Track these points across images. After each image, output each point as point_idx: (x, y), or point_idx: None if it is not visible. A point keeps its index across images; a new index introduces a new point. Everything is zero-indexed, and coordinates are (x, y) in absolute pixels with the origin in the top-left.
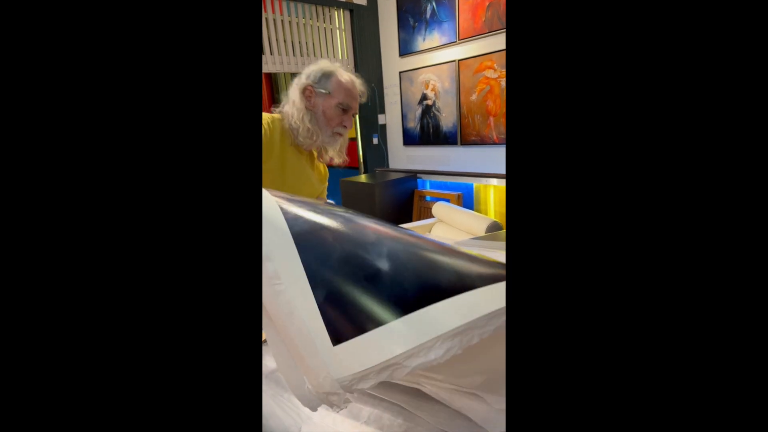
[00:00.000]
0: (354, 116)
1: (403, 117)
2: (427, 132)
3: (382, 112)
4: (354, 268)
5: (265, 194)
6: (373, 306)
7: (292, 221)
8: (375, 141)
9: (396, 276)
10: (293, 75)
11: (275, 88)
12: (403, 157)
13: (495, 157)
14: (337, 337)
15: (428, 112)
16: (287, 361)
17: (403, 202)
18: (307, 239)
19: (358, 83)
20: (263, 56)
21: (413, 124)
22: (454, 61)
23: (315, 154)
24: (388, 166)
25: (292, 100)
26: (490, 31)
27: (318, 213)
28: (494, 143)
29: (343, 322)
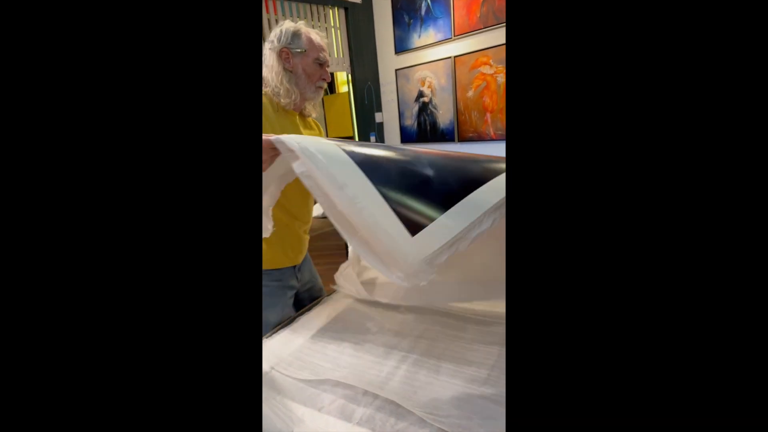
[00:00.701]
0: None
1: (400, 115)
2: (424, 129)
3: (379, 110)
4: (409, 179)
5: (321, 140)
6: (431, 202)
7: (351, 155)
8: (372, 139)
9: (441, 178)
10: None
11: None
12: None
13: (492, 154)
14: (412, 231)
15: (425, 109)
16: (376, 261)
17: None
18: (368, 165)
19: (321, 36)
20: None
21: (410, 121)
22: (450, 57)
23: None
24: None
25: (269, 65)
26: (486, 27)
27: (365, 147)
28: (492, 139)
29: (415, 218)
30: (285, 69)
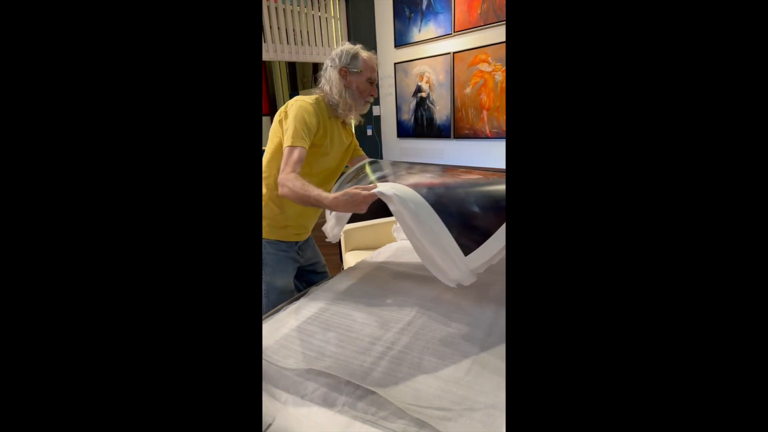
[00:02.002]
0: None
1: (398, 109)
2: (421, 124)
3: (377, 103)
4: (464, 216)
5: (403, 187)
6: (477, 232)
7: (426, 197)
8: (369, 132)
9: (483, 213)
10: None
11: (269, 76)
12: (396, 150)
13: (488, 152)
14: (465, 252)
15: (422, 104)
16: (438, 270)
17: None
18: (439, 206)
19: (375, 58)
20: None
21: (407, 116)
22: (449, 53)
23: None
24: (381, 157)
25: (331, 81)
26: (486, 24)
27: (430, 177)
28: (487, 137)
29: (467, 243)
30: (344, 86)
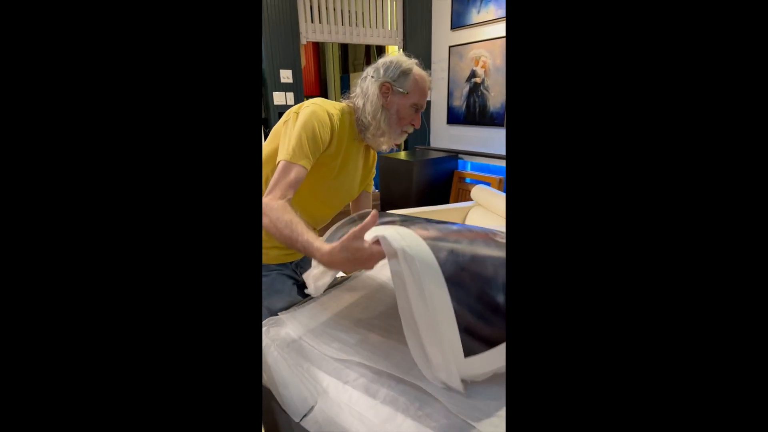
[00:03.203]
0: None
1: (449, 94)
2: (473, 111)
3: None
4: (483, 304)
5: (416, 238)
6: (494, 327)
7: (443, 265)
8: None
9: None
10: (341, 46)
11: (321, 58)
12: (445, 136)
13: None
14: (466, 353)
15: (476, 90)
16: (422, 360)
17: (441, 182)
18: (454, 281)
19: (429, 81)
20: (310, 24)
21: (459, 102)
22: None
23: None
24: (429, 144)
25: (368, 95)
26: None
27: (456, 254)
28: None
29: (471, 345)
30: (382, 105)
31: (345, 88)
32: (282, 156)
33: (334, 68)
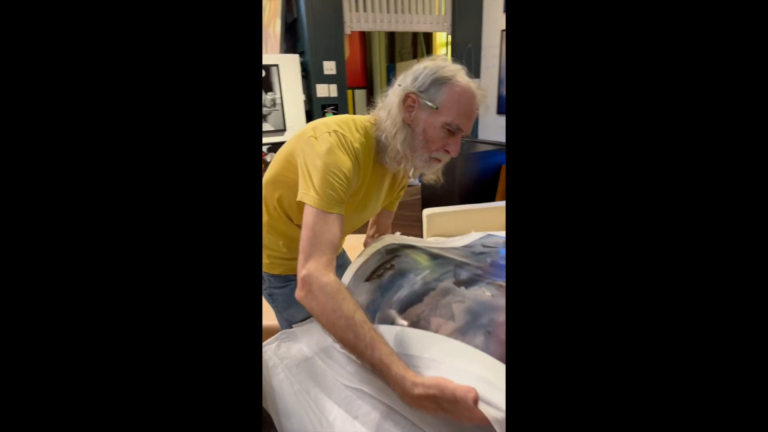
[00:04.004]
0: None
1: (500, 82)
2: None
3: (477, 76)
4: None
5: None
6: None
7: None
8: None
9: None
10: (387, 34)
11: (367, 47)
12: (494, 127)
13: None
14: None
15: None
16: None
17: (488, 178)
18: None
19: (479, 95)
20: (355, 13)
21: None
22: None
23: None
24: (476, 136)
25: (389, 107)
26: None
27: None
28: None
29: None
30: (404, 122)
31: (391, 78)
32: (310, 201)
33: (380, 58)
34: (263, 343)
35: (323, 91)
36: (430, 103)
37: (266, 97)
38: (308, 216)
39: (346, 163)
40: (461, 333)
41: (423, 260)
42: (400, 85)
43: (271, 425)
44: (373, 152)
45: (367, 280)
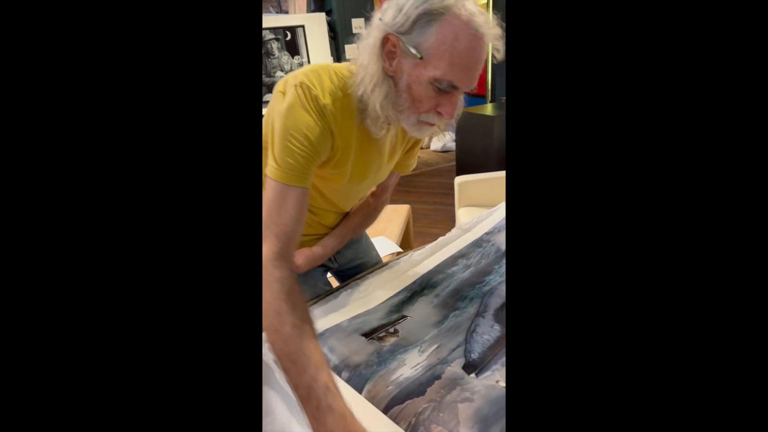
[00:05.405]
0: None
1: None
2: None
3: None
4: None
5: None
6: None
7: None
8: (503, 99)
9: None
10: None
11: None
12: None
13: None
14: None
15: None
16: None
17: None
18: None
19: (492, 34)
20: None
21: None
22: None
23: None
24: None
25: (365, 50)
26: None
27: None
28: None
29: None
30: (384, 72)
31: None
32: (269, 172)
33: None
34: None
35: (353, 52)
36: (413, 50)
37: (293, 62)
38: (267, 190)
39: (308, 123)
40: None
41: (432, 317)
42: (381, 19)
43: None
44: (356, 109)
45: (365, 335)
